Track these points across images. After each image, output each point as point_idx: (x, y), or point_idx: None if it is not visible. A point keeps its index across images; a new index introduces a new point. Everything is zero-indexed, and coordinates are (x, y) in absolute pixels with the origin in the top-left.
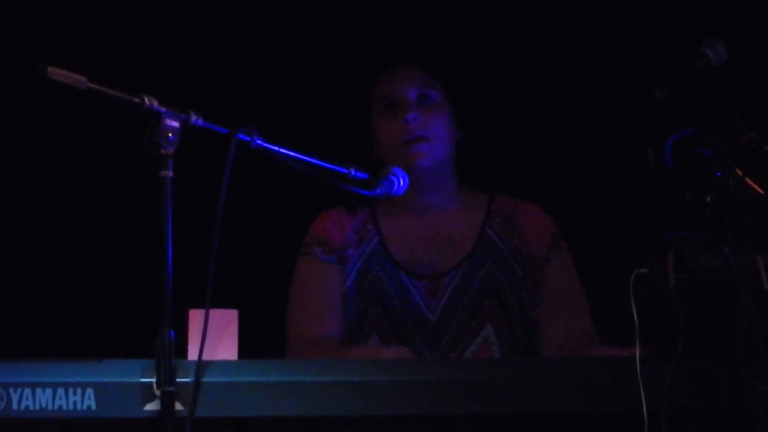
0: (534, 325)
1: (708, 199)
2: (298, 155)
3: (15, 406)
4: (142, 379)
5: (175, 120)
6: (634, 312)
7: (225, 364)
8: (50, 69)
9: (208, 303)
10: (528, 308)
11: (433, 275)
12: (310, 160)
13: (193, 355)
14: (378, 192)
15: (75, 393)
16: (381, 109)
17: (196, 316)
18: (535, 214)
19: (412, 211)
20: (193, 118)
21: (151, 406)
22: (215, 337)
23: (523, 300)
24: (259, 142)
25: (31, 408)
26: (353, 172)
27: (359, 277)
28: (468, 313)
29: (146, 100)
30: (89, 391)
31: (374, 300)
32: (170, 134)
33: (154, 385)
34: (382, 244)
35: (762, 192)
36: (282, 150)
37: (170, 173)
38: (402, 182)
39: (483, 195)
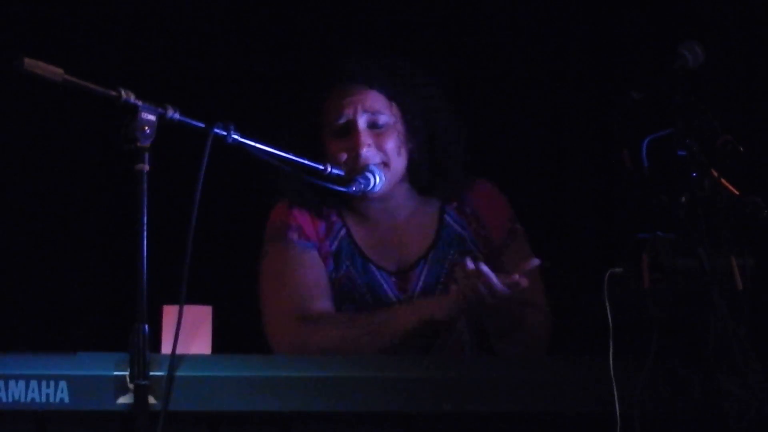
0: None
1: (683, 199)
2: (274, 151)
3: None
4: (116, 372)
5: (151, 113)
6: (608, 312)
7: (198, 359)
8: (26, 60)
9: (183, 299)
10: None
11: (399, 270)
12: (287, 156)
13: (167, 350)
14: (354, 189)
15: (48, 386)
16: (331, 131)
17: (170, 312)
18: (489, 192)
19: (372, 218)
20: (170, 112)
21: (124, 400)
22: (189, 333)
23: None
24: (236, 137)
25: (4, 400)
26: (330, 169)
27: (331, 275)
28: None
29: (123, 93)
30: (62, 383)
31: (347, 297)
32: (146, 128)
33: (128, 379)
34: (350, 236)
35: (737, 193)
36: (259, 145)
37: (146, 167)
38: (379, 180)
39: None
